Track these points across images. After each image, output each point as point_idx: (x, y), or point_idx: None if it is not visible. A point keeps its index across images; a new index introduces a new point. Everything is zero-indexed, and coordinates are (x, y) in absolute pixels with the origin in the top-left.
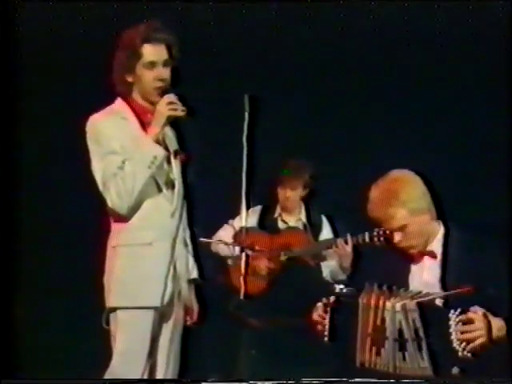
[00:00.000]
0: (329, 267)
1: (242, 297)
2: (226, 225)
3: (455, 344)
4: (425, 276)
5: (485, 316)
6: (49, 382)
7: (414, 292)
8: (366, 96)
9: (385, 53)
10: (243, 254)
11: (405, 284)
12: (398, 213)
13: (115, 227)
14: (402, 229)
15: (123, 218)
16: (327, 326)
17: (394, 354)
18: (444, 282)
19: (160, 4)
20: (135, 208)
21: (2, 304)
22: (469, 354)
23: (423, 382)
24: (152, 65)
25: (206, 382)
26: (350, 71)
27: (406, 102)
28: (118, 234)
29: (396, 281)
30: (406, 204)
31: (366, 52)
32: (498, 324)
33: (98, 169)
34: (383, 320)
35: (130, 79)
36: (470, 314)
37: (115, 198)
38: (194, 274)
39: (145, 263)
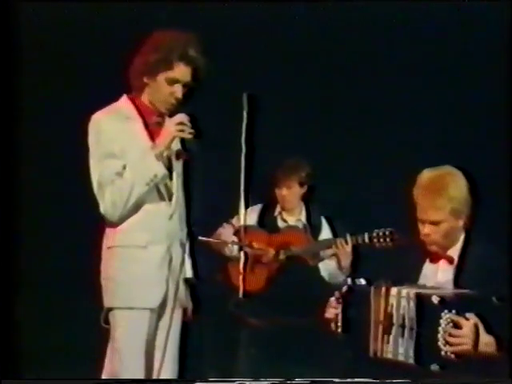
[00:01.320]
0: (328, 267)
1: (240, 295)
2: (225, 223)
3: (440, 343)
4: (439, 277)
5: (475, 326)
6: (49, 382)
7: (421, 284)
8: (366, 96)
9: (384, 53)
10: (242, 253)
11: (415, 282)
12: (441, 206)
13: (110, 229)
14: (436, 223)
15: (113, 225)
16: (340, 317)
17: (398, 341)
18: (457, 286)
19: (159, 4)
20: (127, 217)
21: (1, 304)
22: (452, 355)
23: (410, 382)
24: (174, 82)
25: (204, 381)
26: (350, 71)
27: (405, 101)
28: (114, 235)
29: (408, 279)
30: (451, 201)
31: (365, 52)
32: (486, 339)
33: (95, 170)
34: (392, 306)
35: (146, 80)
36: (460, 320)
37: (109, 206)
38: (189, 274)
39: (139, 265)
